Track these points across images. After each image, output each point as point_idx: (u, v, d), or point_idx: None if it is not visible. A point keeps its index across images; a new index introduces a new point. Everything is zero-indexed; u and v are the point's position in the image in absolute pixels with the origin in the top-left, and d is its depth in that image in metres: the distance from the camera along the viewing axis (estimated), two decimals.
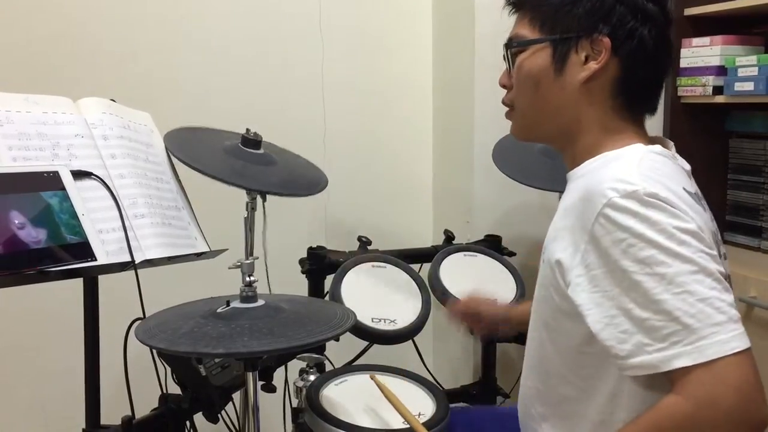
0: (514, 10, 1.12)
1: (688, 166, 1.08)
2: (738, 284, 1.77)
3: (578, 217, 0.96)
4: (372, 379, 1.34)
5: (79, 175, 1.27)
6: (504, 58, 1.12)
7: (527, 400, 1.15)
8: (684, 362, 0.84)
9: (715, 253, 0.91)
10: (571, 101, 1.05)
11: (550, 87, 1.06)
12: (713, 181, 2.13)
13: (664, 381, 0.89)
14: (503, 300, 1.70)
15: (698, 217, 0.93)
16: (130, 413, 1.35)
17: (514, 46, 1.10)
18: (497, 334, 1.49)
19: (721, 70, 1.96)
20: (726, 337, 0.84)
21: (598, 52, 1.03)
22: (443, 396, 1.39)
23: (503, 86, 1.14)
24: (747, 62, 1.87)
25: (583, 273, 0.94)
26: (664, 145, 1.07)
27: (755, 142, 2.04)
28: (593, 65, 1.03)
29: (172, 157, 1.48)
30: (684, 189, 0.96)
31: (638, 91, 1.06)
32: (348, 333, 1.25)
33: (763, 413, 0.84)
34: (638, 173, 0.94)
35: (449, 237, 1.95)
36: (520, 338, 1.17)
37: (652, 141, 1.07)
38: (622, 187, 0.91)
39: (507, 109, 1.15)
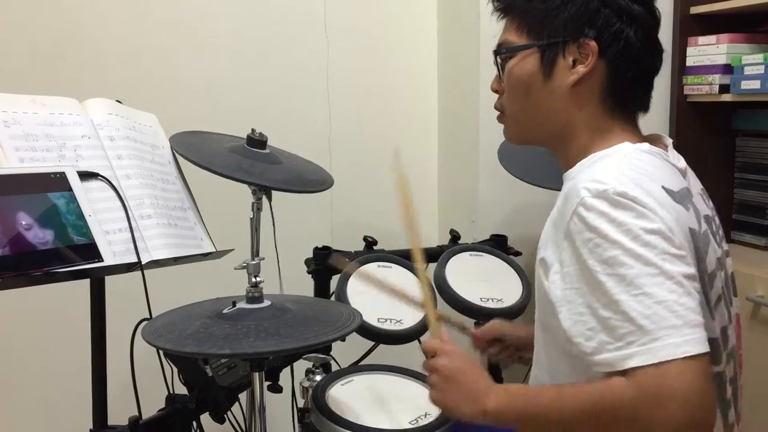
0: (502, 15, 1.13)
1: (682, 164, 1.08)
2: (745, 283, 1.78)
3: (560, 216, 0.98)
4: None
5: (85, 176, 1.27)
6: (494, 64, 1.14)
7: None
8: (636, 362, 0.86)
9: (683, 253, 0.91)
10: (561, 105, 1.06)
11: (540, 92, 1.07)
12: (720, 180, 2.12)
13: None
14: (509, 300, 1.70)
15: (671, 217, 0.93)
16: (137, 413, 1.36)
17: (502, 53, 1.11)
18: (524, 360, 1.46)
19: (727, 69, 1.95)
20: (678, 341, 0.85)
21: (586, 56, 1.03)
22: None
23: (495, 91, 1.16)
24: (753, 60, 1.87)
25: (558, 270, 0.96)
26: (660, 142, 1.08)
27: (762, 140, 2.04)
28: (581, 69, 1.04)
29: (178, 158, 1.49)
30: (663, 187, 0.96)
31: (627, 92, 1.06)
32: (354, 333, 1.25)
33: (707, 421, 0.85)
34: (614, 172, 0.95)
35: (455, 237, 1.95)
36: None
37: (646, 139, 1.07)
38: (594, 186, 0.92)
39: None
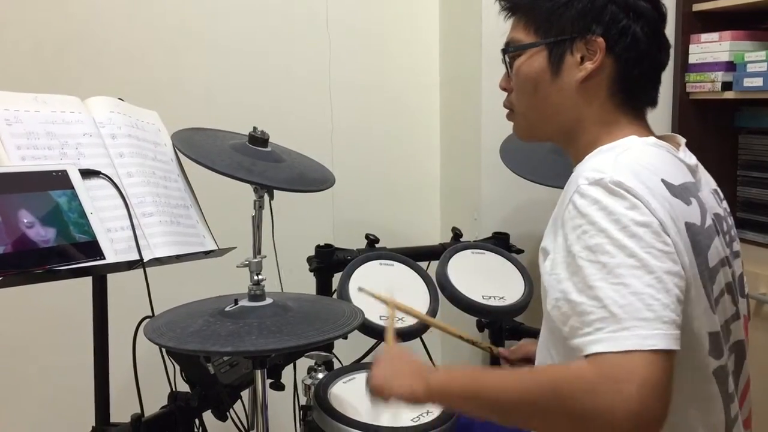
0: (509, 14, 1.13)
1: (693, 161, 1.08)
2: (748, 281, 1.76)
3: (560, 207, 0.99)
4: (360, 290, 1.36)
5: (87, 174, 1.27)
6: (502, 62, 1.14)
7: None
8: (599, 348, 0.85)
9: (671, 249, 0.90)
10: (569, 102, 1.07)
11: (549, 89, 1.08)
12: (723, 178, 2.09)
13: None
14: (511, 298, 1.70)
15: (664, 211, 0.92)
16: (139, 411, 1.36)
17: (510, 51, 1.11)
18: None
19: (730, 66, 1.95)
20: (647, 333, 0.84)
21: (593, 52, 1.04)
22: None
23: (503, 89, 1.16)
24: (756, 57, 1.86)
25: (549, 257, 0.97)
26: (673, 141, 1.08)
27: (765, 138, 2.04)
28: (589, 65, 1.04)
29: (180, 156, 1.49)
30: (663, 180, 0.96)
31: (635, 87, 1.07)
32: (356, 331, 1.25)
33: (657, 417, 0.84)
34: (613, 162, 0.95)
35: (457, 234, 1.94)
36: (530, 336, 1.17)
37: (657, 137, 1.08)
38: (592, 175, 0.93)
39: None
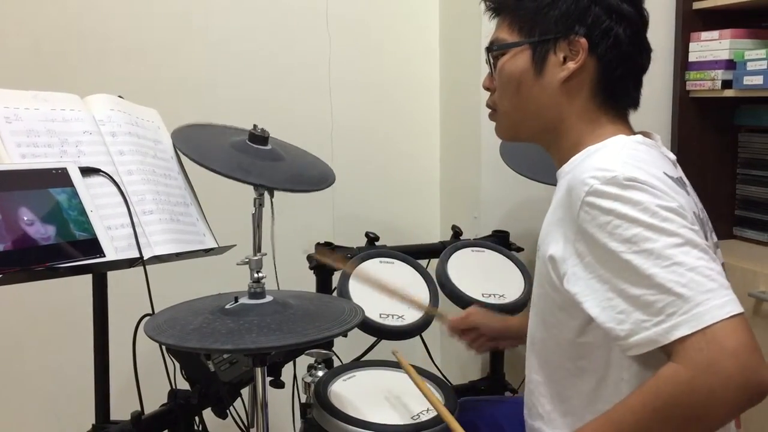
0: (493, 15, 1.16)
1: (673, 156, 1.10)
2: (747, 279, 1.78)
3: (565, 210, 0.99)
4: (394, 354, 1.37)
5: (87, 171, 1.27)
6: (486, 62, 1.16)
7: (532, 395, 1.15)
8: (683, 331, 0.85)
9: (698, 228, 0.92)
10: (552, 101, 1.09)
11: (531, 88, 1.10)
12: (722, 176, 2.12)
13: (665, 362, 0.89)
14: (510, 296, 1.70)
15: (680, 198, 0.95)
16: (139, 409, 1.36)
17: (494, 50, 1.14)
18: (498, 348, 1.51)
19: (730, 64, 1.95)
20: (720, 302, 0.85)
21: (576, 53, 1.06)
22: (452, 391, 1.40)
23: (486, 89, 1.19)
24: (756, 56, 1.87)
25: (577, 263, 0.96)
26: (649, 137, 1.10)
27: (764, 136, 2.04)
28: (571, 65, 1.06)
29: (180, 153, 1.49)
30: (665, 173, 0.98)
31: (617, 88, 1.09)
32: (356, 329, 1.25)
33: (761, 377, 0.84)
34: (618, 160, 0.96)
35: (457, 232, 1.95)
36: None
37: (636, 134, 1.10)
38: (602, 174, 0.93)
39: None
